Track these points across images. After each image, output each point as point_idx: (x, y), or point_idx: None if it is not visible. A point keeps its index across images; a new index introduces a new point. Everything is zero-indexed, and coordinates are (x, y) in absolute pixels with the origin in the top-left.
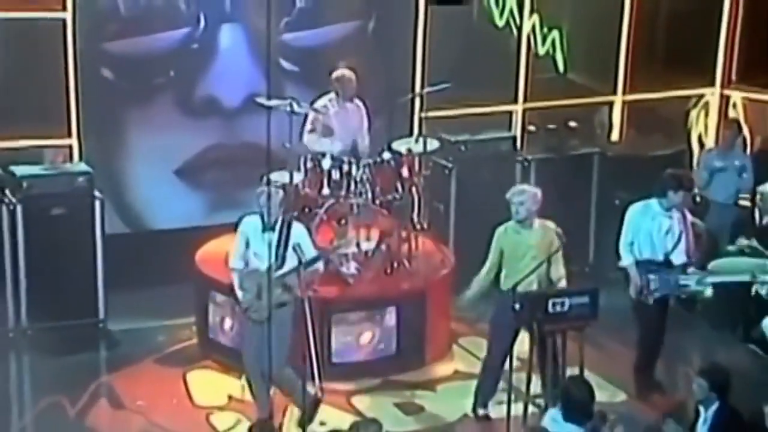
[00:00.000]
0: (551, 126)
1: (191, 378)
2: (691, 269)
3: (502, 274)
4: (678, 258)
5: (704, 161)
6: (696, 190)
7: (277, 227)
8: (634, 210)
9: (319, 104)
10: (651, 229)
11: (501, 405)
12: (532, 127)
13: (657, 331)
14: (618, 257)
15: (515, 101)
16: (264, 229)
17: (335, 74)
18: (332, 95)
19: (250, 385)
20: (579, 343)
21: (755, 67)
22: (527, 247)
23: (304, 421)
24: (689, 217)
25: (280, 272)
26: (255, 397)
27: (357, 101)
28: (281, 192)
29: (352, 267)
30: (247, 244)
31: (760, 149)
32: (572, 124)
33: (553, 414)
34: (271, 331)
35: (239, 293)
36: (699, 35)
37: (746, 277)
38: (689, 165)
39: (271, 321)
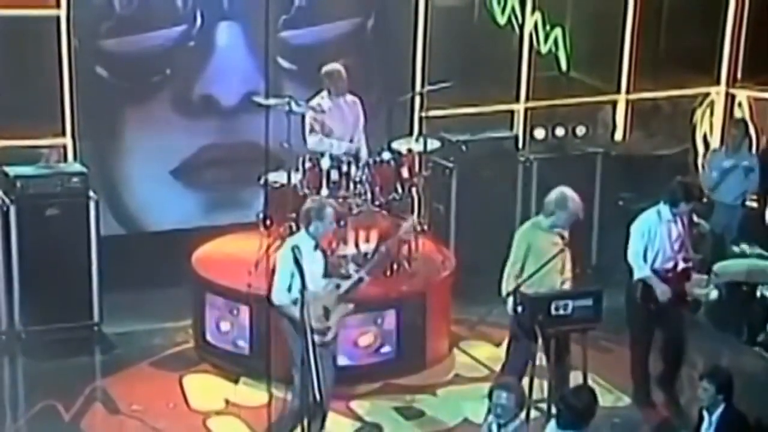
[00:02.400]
0: (559, 132)
1: (188, 382)
2: (695, 275)
3: (524, 272)
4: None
5: (712, 162)
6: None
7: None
8: (647, 218)
9: (312, 104)
10: (663, 237)
11: None
12: (540, 131)
13: (649, 338)
14: (624, 263)
15: (517, 100)
16: (316, 248)
17: (325, 69)
18: (324, 93)
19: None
20: (582, 346)
21: (761, 66)
22: (551, 245)
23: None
24: (694, 219)
25: (343, 288)
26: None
27: (351, 96)
28: (330, 208)
29: (351, 269)
30: (292, 273)
31: (765, 149)
32: (580, 130)
33: (554, 424)
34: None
35: (310, 321)
36: (704, 32)
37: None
38: (694, 164)
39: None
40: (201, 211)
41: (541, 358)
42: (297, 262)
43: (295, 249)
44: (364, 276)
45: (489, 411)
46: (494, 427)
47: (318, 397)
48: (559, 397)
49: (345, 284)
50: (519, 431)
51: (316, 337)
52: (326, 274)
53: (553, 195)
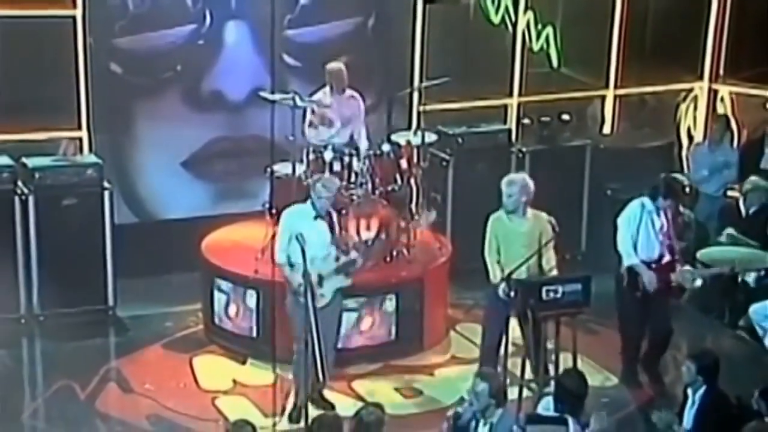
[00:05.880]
0: (545, 118)
1: (197, 363)
2: (681, 266)
3: (502, 259)
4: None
5: (699, 158)
6: (686, 181)
7: (326, 217)
8: (632, 208)
9: (315, 98)
10: (648, 227)
11: None
12: (527, 120)
13: (638, 322)
14: (613, 251)
15: (510, 95)
16: (316, 217)
17: (328, 67)
18: (326, 88)
19: (296, 375)
20: (572, 329)
21: (742, 62)
22: (518, 235)
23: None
24: (680, 209)
25: (340, 263)
26: (298, 383)
27: (351, 92)
28: (337, 181)
29: (352, 255)
30: (290, 237)
31: (746, 142)
32: (565, 117)
33: (546, 402)
34: (330, 316)
35: (295, 284)
36: (688, 31)
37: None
38: (679, 157)
39: (330, 308)
40: (210, 201)
41: (527, 339)
42: (298, 242)
43: (299, 237)
44: (358, 258)
45: (461, 399)
46: (480, 420)
47: (321, 377)
48: (555, 381)
49: (342, 259)
50: (502, 419)
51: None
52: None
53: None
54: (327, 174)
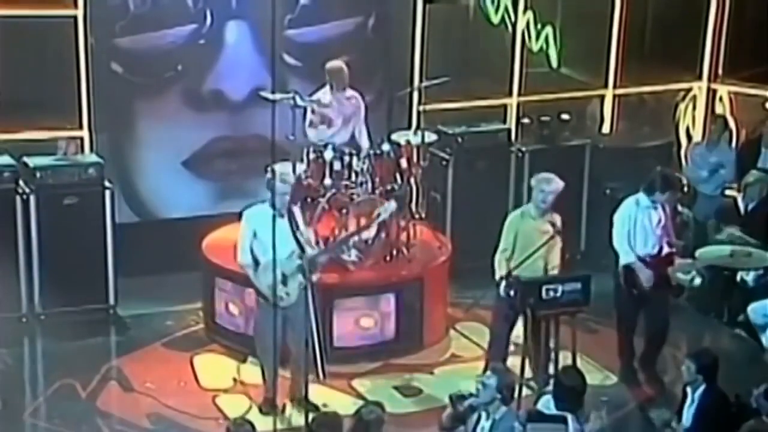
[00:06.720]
0: (545, 118)
1: (198, 361)
2: (679, 260)
3: (513, 258)
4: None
5: (697, 157)
6: (684, 180)
7: (286, 214)
8: (626, 206)
9: (315, 97)
10: (644, 223)
11: None
12: (526, 120)
13: (635, 320)
14: (611, 250)
15: (510, 95)
16: (276, 217)
17: (327, 66)
18: (326, 88)
19: (262, 368)
20: (571, 328)
21: (741, 62)
22: (540, 233)
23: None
24: (678, 207)
25: (304, 260)
26: (266, 378)
27: (352, 91)
28: (290, 168)
29: (353, 254)
30: (254, 235)
31: (745, 142)
32: (565, 116)
33: (545, 401)
34: (298, 314)
35: (260, 285)
36: (687, 30)
37: (727, 258)
38: (677, 156)
39: (297, 305)
40: (211, 200)
41: (528, 338)
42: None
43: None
44: (322, 258)
45: (462, 397)
46: (482, 413)
47: (322, 374)
48: (554, 378)
49: (307, 256)
50: (505, 417)
51: (279, 301)
52: (299, 244)
53: (534, 179)
54: (295, 169)
